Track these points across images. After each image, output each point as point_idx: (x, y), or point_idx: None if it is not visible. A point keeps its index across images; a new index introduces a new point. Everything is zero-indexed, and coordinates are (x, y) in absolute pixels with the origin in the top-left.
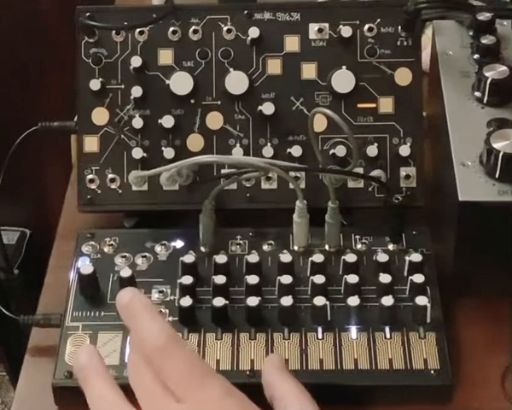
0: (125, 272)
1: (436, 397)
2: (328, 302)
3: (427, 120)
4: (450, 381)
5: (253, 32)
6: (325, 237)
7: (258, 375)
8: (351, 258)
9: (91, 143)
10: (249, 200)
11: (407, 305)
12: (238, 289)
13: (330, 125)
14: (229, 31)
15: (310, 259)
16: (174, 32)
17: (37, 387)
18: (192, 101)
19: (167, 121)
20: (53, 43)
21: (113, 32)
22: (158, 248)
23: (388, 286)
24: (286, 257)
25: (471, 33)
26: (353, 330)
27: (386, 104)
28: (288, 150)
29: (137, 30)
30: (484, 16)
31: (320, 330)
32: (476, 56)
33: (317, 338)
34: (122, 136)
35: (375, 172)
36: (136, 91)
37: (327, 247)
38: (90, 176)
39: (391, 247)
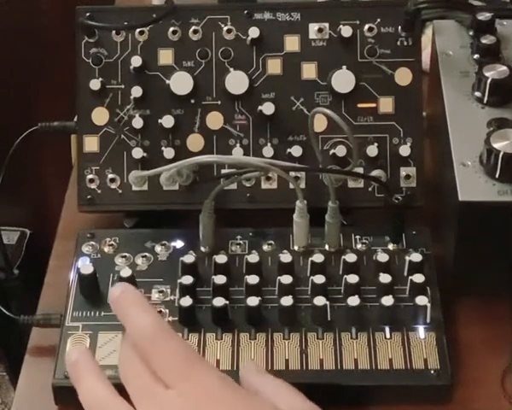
0: (125, 272)
1: (436, 397)
2: (328, 302)
3: (427, 120)
4: (449, 381)
5: (253, 32)
6: (325, 237)
7: None
8: (351, 258)
9: (91, 143)
10: (249, 200)
11: (407, 305)
12: (238, 289)
13: (330, 125)
14: (229, 31)
15: (310, 259)
16: (174, 32)
17: (37, 387)
18: (192, 101)
19: (167, 121)
20: (53, 43)
21: (113, 32)
22: (158, 248)
23: (388, 286)
24: (286, 257)
25: (471, 33)
26: (353, 330)
27: (386, 104)
28: (288, 150)
29: (137, 30)
30: (484, 16)
31: (320, 330)
32: (476, 56)
33: (317, 338)
34: (122, 136)
35: (375, 172)
36: (136, 91)
37: (327, 247)
38: (90, 176)
39: (391, 247)
